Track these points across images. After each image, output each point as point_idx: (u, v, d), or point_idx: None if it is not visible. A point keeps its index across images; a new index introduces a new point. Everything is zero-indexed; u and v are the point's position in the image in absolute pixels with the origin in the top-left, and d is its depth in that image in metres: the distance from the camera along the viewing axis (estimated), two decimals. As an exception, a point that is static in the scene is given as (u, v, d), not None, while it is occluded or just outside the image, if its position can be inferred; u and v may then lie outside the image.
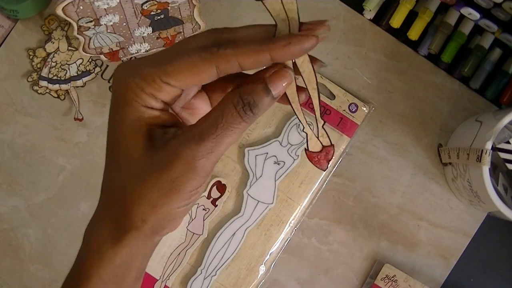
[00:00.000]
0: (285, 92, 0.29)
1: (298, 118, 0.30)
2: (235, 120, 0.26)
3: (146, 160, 0.27)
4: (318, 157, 0.31)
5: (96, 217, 0.29)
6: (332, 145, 0.31)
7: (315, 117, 0.30)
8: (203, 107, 0.32)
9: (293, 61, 0.29)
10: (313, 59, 0.29)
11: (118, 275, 0.29)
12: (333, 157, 0.31)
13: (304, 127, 0.31)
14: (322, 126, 0.31)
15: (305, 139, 0.31)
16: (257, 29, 0.28)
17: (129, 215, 0.27)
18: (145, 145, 0.27)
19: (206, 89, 0.32)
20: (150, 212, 0.27)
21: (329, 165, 0.31)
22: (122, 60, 0.55)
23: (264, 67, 0.28)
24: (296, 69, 0.29)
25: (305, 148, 0.31)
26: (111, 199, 0.29)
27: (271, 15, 0.28)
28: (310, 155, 0.31)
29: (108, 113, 0.29)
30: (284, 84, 0.27)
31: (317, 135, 0.31)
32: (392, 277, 0.53)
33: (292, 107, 0.30)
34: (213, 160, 0.27)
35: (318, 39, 0.27)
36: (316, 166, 0.31)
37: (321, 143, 0.31)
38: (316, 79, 0.29)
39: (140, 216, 0.27)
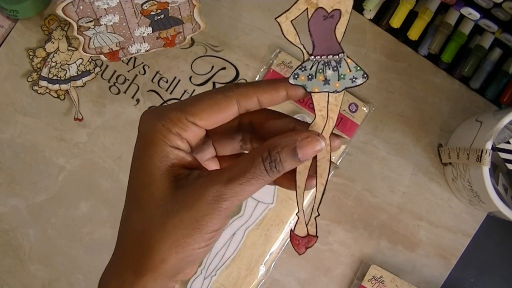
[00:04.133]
0: (294, 177, 0.31)
1: (296, 202, 0.32)
2: (261, 172, 0.28)
3: (170, 199, 0.28)
4: (300, 241, 0.33)
5: (114, 261, 0.30)
6: (316, 236, 0.33)
7: (313, 207, 0.32)
8: (214, 167, 0.34)
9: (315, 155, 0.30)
10: (334, 143, 0.31)
11: None
12: (313, 245, 0.34)
13: (298, 211, 0.32)
14: (315, 218, 0.33)
15: (296, 222, 0.33)
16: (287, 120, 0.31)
17: (149, 255, 0.27)
18: (170, 185, 0.28)
19: (219, 158, 0.34)
20: (171, 252, 0.27)
21: (306, 251, 0.34)
22: (122, 60, 0.55)
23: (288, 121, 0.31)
24: (314, 162, 0.31)
25: (291, 229, 0.33)
26: (130, 242, 0.29)
27: (314, 108, 0.30)
28: (293, 237, 0.33)
29: (132, 156, 0.30)
30: (313, 152, 0.29)
31: (307, 222, 0.33)
32: (379, 278, 0.53)
33: (296, 191, 0.32)
34: (235, 203, 0.28)
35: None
36: (294, 248, 0.33)
37: (308, 230, 0.33)
38: (327, 178, 0.32)
39: (161, 256, 0.27)
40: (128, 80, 0.56)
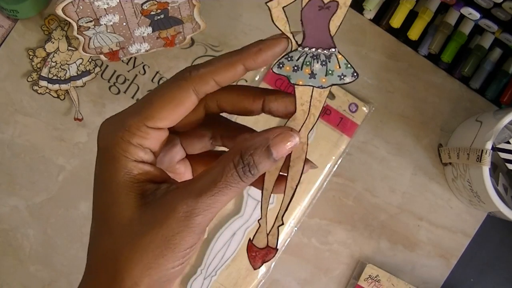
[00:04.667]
0: (263, 176, 0.28)
1: (261, 206, 0.29)
2: (234, 179, 0.26)
3: (138, 218, 0.26)
4: (257, 253, 0.29)
5: (84, 286, 0.27)
6: (276, 249, 0.29)
7: (277, 214, 0.29)
8: (186, 172, 0.31)
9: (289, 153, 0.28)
10: (306, 160, 0.28)
11: None
12: (271, 260, 0.30)
13: (261, 217, 0.29)
14: (278, 227, 0.29)
15: (256, 230, 0.30)
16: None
17: (120, 280, 0.25)
18: (137, 203, 0.26)
19: (190, 158, 0.32)
20: (144, 275, 0.25)
21: (262, 265, 0.30)
22: (122, 60, 0.55)
23: (239, 77, 0.28)
24: (287, 161, 0.28)
25: (249, 238, 0.30)
26: (100, 265, 0.27)
27: (295, 101, 0.28)
28: (250, 247, 0.29)
29: (94, 173, 0.28)
30: (287, 148, 0.27)
31: (268, 232, 0.29)
32: (375, 277, 0.53)
33: (262, 193, 0.29)
34: (209, 217, 0.26)
35: (287, 44, 0.27)
36: (249, 261, 0.30)
37: (268, 241, 0.29)
38: (298, 182, 0.28)
39: (133, 280, 0.25)
40: (128, 80, 0.56)
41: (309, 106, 0.28)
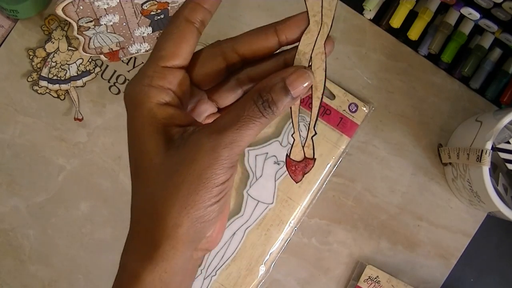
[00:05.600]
0: None
1: (292, 120, 0.30)
2: (256, 114, 0.26)
3: (169, 160, 0.26)
4: (296, 167, 0.31)
5: (130, 238, 0.28)
6: (314, 159, 0.30)
7: (309, 125, 0.30)
8: (211, 112, 0.32)
9: (310, 63, 0.29)
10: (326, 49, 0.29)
11: None
12: (310, 171, 0.31)
13: (294, 132, 0.30)
14: (312, 137, 0.30)
15: (291, 144, 0.30)
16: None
17: (160, 223, 0.26)
18: (166, 146, 0.27)
19: (224, 109, 0.32)
20: (182, 214, 0.26)
21: (303, 178, 0.31)
22: (122, 60, 0.55)
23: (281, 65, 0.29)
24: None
25: (286, 154, 0.31)
26: (141, 215, 0.27)
27: (307, 13, 0.29)
28: (289, 162, 0.31)
29: (126, 127, 0.29)
30: (304, 86, 0.28)
31: (303, 144, 0.30)
32: (375, 278, 0.53)
33: (291, 108, 0.30)
34: (236, 151, 0.26)
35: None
36: (291, 176, 0.31)
37: (304, 153, 0.31)
38: (324, 90, 0.29)
39: (173, 221, 0.26)
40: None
41: (321, 16, 0.28)
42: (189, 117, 0.28)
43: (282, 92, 0.27)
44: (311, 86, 0.29)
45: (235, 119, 0.26)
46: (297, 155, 0.31)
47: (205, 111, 0.31)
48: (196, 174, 0.26)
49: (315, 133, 0.30)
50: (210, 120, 0.31)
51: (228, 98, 0.31)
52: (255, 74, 0.30)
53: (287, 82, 0.27)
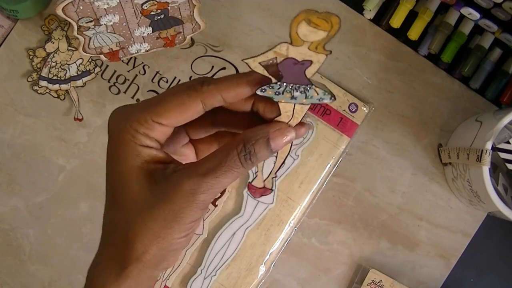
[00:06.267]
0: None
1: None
2: (236, 164, 0.29)
3: (148, 194, 0.29)
4: (256, 190, 0.38)
5: (99, 256, 0.31)
6: (272, 189, 0.36)
7: (272, 168, 0.33)
8: (190, 154, 0.35)
9: (290, 119, 0.31)
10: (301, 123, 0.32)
11: None
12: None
13: (258, 171, 0.35)
14: (272, 178, 0.34)
15: (254, 175, 0.37)
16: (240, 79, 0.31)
17: (132, 247, 0.29)
18: (146, 181, 0.29)
19: (193, 141, 0.35)
20: (153, 243, 0.28)
21: (260, 197, 0.38)
22: (122, 60, 0.55)
23: (245, 97, 0.31)
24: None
25: (249, 181, 0.37)
26: (114, 236, 0.30)
27: (279, 110, 0.31)
28: (250, 186, 0.39)
29: (106, 156, 0.31)
30: (284, 141, 0.30)
31: (264, 179, 0.35)
32: (378, 282, 0.53)
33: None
34: (212, 196, 0.29)
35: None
36: (250, 192, 0.38)
37: (264, 184, 0.35)
38: (288, 154, 0.34)
39: (143, 248, 0.28)
40: (128, 80, 0.56)
41: (293, 113, 0.31)
42: (169, 157, 0.31)
43: (264, 146, 0.29)
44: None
45: (216, 166, 0.29)
46: (258, 184, 0.35)
47: (181, 142, 0.34)
48: (173, 212, 0.28)
49: (276, 176, 0.34)
50: (186, 150, 0.34)
51: (200, 133, 0.34)
52: (228, 117, 0.33)
53: (271, 137, 0.30)
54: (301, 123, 0.31)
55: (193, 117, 0.30)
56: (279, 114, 0.31)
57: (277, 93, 0.30)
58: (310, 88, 0.30)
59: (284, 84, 0.30)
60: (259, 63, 0.30)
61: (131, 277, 0.29)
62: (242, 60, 0.30)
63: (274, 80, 0.30)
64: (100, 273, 0.30)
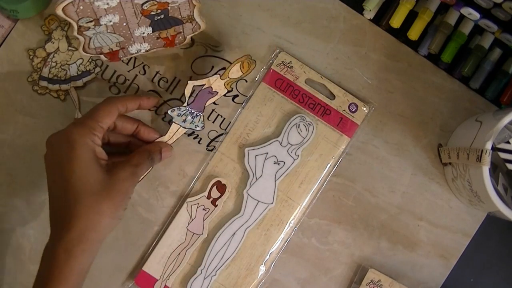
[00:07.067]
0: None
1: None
2: (147, 162, 0.49)
3: (103, 178, 0.45)
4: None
5: (50, 240, 0.46)
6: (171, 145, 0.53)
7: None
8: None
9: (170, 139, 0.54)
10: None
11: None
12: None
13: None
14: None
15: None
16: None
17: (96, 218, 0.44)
18: (98, 169, 0.45)
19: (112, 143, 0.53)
20: (114, 212, 0.45)
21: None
22: (122, 60, 0.55)
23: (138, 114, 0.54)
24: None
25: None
26: (63, 217, 0.44)
27: (168, 130, 0.53)
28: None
29: (62, 159, 0.45)
30: (167, 155, 0.52)
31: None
32: (377, 282, 0.53)
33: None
34: (139, 178, 0.48)
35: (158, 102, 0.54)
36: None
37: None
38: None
39: (108, 217, 0.45)
40: (128, 80, 0.56)
41: (174, 134, 0.52)
42: (105, 154, 0.47)
43: (158, 156, 0.51)
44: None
45: (140, 161, 0.48)
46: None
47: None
48: (124, 189, 0.45)
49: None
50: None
51: (118, 138, 0.53)
52: (122, 137, 0.53)
53: (162, 151, 0.51)
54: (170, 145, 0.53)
55: (114, 119, 0.48)
56: (160, 136, 0.52)
57: (178, 115, 0.51)
58: (197, 115, 0.51)
59: (188, 108, 0.51)
60: (193, 85, 0.51)
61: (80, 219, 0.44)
62: (187, 81, 0.51)
63: (185, 104, 0.51)
64: (50, 240, 0.46)
